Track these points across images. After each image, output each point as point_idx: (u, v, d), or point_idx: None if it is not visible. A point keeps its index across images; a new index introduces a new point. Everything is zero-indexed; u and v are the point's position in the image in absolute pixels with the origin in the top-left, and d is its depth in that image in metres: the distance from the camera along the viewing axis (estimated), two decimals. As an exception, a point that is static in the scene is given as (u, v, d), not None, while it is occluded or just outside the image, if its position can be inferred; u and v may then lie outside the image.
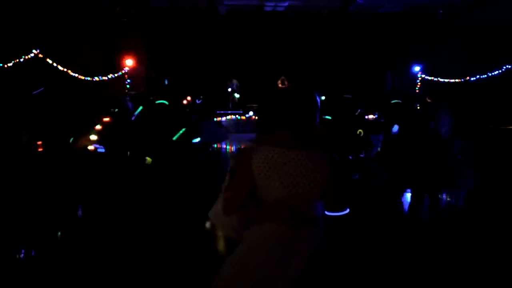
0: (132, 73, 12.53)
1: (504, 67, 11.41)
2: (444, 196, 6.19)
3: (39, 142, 5.24)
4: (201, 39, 13.57)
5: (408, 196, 6.36)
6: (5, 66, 10.53)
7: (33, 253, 3.82)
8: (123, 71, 12.43)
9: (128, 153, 5.84)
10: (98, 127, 6.24)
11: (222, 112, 13.64)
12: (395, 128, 6.19)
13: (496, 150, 8.53)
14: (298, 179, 1.77)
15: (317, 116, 1.85)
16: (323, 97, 8.88)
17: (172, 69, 13.46)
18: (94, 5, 11.62)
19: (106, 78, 12.00)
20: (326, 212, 1.87)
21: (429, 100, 6.82)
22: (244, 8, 12.69)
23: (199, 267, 3.54)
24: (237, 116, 13.64)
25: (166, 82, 11.37)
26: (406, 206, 5.50)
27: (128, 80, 12.42)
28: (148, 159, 5.49)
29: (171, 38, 13.29)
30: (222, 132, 8.05)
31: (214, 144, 8.12)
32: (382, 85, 14.00)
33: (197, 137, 6.15)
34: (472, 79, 11.91)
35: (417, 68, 13.09)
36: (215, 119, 8.31)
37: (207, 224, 2.43)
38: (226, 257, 2.00)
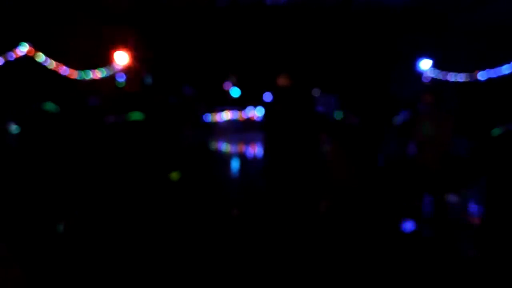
0: (126, 68, 12.31)
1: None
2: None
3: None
4: (199, 33, 13.28)
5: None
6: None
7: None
8: (118, 67, 12.20)
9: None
10: None
11: (220, 108, 13.56)
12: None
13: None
14: None
15: None
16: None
17: (168, 64, 13.26)
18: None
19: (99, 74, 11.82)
20: None
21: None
22: (244, 1, 12.42)
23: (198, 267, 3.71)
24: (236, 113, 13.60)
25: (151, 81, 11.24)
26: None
27: (124, 76, 12.22)
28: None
29: (167, 31, 13.07)
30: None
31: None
32: (387, 81, 13.79)
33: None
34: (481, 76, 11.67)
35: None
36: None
37: None
38: None
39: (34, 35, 10.66)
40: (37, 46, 10.59)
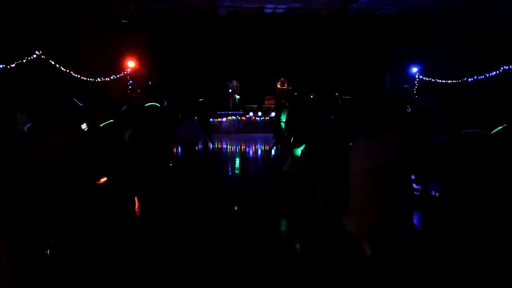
0: (134, 74, 12.66)
1: (502, 68, 11.54)
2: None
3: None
4: (202, 41, 13.71)
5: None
6: (8, 67, 10.60)
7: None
8: (125, 72, 12.56)
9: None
10: None
11: (222, 112, 13.83)
12: None
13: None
14: None
15: None
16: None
17: (173, 70, 13.59)
18: (96, 7, 11.73)
19: (108, 79, 12.11)
20: None
21: None
22: (244, 10, 12.82)
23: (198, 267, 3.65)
24: (237, 116, 13.81)
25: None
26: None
27: (130, 81, 12.55)
28: None
29: (172, 39, 13.42)
30: (199, 131, 8.33)
31: (191, 141, 8.30)
32: (381, 86, 14.16)
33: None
34: (469, 79, 12.04)
35: (414, 69, 13.24)
36: (195, 118, 8.53)
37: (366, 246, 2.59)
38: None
39: (45, 43, 10.93)
40: (47, 54, 10.89)
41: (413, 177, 2.87)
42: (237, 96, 14.38)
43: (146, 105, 4.79)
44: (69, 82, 11.10)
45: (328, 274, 3.42)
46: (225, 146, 11.44)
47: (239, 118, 13.81)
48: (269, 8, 12.74)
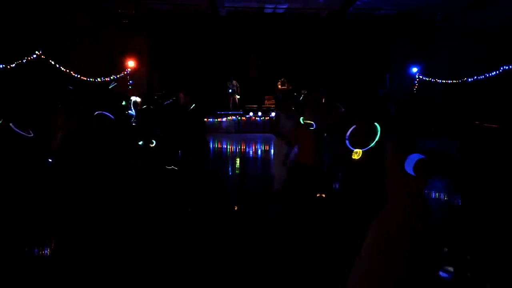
0: (134, 74, 12.67)
1: (502, 68, 11.53)
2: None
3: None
4: (202, 41, 13.74)
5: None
6: (8, 67, 10.60)
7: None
8: (125, 72, 12.57)
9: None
10: None
11: (222, 113, 13.85)
12: None
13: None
14: None
15: None
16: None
17: (173, 70, 13.60)
18: (96, 7, 11.73)
19: (108, 79, 12.12)
20: None
21: None
22: (244, 10, 12.84)
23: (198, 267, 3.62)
24: (237, 116, 13.83)
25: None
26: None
27: (131, 81, 12.55)
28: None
29: (172, 39, 13.44)
30: None
31: None
32: (381, 86, 14.17)
33: None
34: (469, 80, 12.04)
35: (414, 69, 13.24)
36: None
37: None
38: None
39: (46, 43, 10.91)
40: (48, 54, 10.86)
41: None
42: (237, 96, 14.40)
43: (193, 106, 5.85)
44: (69, 81, 11.10)
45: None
46: (225, 146, 11.46)
47: (239, 118, 13.82)
48: (269, 8, 12.75)
